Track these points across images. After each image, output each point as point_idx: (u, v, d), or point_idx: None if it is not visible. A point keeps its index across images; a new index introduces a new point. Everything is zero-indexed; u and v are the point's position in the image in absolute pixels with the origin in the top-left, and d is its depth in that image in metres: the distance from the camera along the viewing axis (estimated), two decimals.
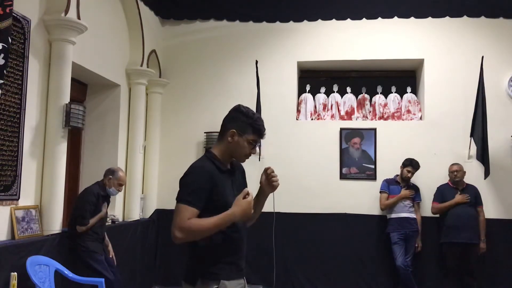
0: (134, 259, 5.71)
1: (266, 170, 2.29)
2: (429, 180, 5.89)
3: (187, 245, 2.24)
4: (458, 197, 5.52)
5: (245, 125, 2.25)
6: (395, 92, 6.50)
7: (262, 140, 6.74)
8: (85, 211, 4.35)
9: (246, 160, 2.34)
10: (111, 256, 4.68)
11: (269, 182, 2.30)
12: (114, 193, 4.69)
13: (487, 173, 5.62)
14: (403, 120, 6.33)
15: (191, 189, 2.12)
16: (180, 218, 2.08)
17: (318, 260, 6.07)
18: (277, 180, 2.30)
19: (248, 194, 2.15)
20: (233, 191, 2.25)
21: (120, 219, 5.73)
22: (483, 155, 5.58)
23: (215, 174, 2.19)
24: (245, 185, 2.40)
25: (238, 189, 2.27)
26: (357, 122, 6.38)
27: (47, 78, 4.31)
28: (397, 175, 5.88)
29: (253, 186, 2.40)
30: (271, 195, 2.40)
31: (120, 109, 5.79)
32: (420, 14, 6.27)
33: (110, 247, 4.72)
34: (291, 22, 6.52)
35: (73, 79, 4.64)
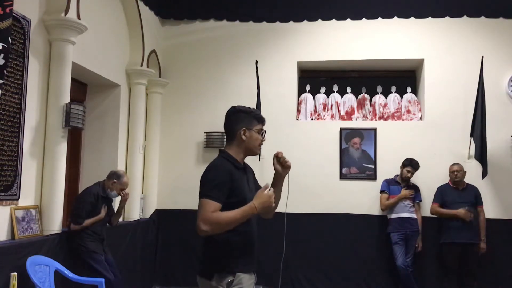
0: (134, 259, 5.71)
1: (276, 155, 2.47)
2: (429, 180, 5.89)
3: (203, 241, 2.37)
4: (461, 212, 5.42)
5: (249, 120, 2.47)
6: (395, 92, 6.50)
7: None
8: (82, 210, 4.36)
9: (249, 158, 2.50)
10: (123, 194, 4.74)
11: (282, 164, 2.49)
12: (114, 196, 4.69)
13: (485, 173, 5.62)
14: (403, 120, 6.33)
15: (213, 185, 2.28)
16: (205, 212, 2.22)
17: (318, 260, 6.07)
18: (288, 160, 2.49)
19: (269, 188, 2.32)
20: (249, 187, 2.43)
21: (120, 219, 5.72)
22: (481, 155, 5.58)
23: (233, 171, 2.37)
24: (256, 183, 2.58)
25: (252, 186, 2.49)
26: (357, 122, 6.38)
27: (47, 78, 4.31)
28: (397, 175, 5.88)
29: (260, 184, 2.44)
30: (284, 197, 2.60)
31: (120, 109, 5.79)
32: (420, 14, 6.27)
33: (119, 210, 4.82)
34: (291, 22, 6.52)
35: (73, 79, 4.64)
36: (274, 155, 2.48)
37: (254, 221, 2.43)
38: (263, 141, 2.55)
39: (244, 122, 2.45)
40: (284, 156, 2.47)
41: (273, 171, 2.57)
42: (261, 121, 2.52)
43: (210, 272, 2.31)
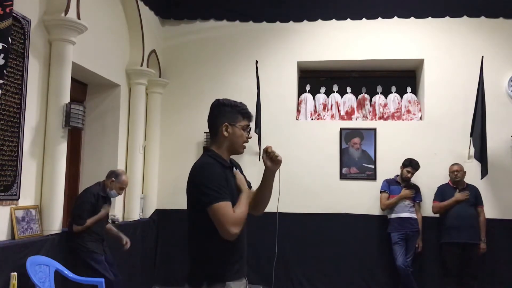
0: (134, 259, 5.71)
1: (266, 150, 2.32)
2: (429, 180, 5.89)
3: (190, 248, 2.22)
4: (458, 195, 5.51)
5: (233, 114, 2.28)
6: (395, 92, 6.50)
7: (262, 140, 6.71)
8: (83, 211, 4.35)
9: (244, 155, 2.35)
10: (125, 242, 4.72)
11: (272, 159, 2.32)
12: (114, 195, 4.69)
13: (484, 173, 5.61)
14: (403, 120, 6.33)
15: (216, 186, 2.11)
16: (229, 215, 2.08)
17: (318, 260, 6.07)
18: (279, 154, 2.32)
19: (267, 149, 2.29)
20: (236, 188, 2.27)
21: (120, 219, 5.73)
22: (481, 155, 5.57)
23: (223, 170, 2.22)
24: (246, 179, 2.41)
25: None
26: (357, 122, 6.38)
27: (47, 78, 4.31)
28: (398, 175, 5.88)
29: (254, 185, 2.42)
30: (275, 195, 2.45)
31: (120, 109, 5.79)
32: (420, 14, 6.27)
33: (123, 237, 4.77)
34: (291, 22, 6.52)
35: (73, 79, 4.64)
36: (263, 150, 2.33)
37: (244, 225, 2.28)
38: (249, 138, 2.35)
39: (227, 116, 2.26)
40: (274, 150, 2.32)
41: None
42: (247, 116, 2.31)
43: (199, 280, 2.16)
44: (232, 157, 2.38)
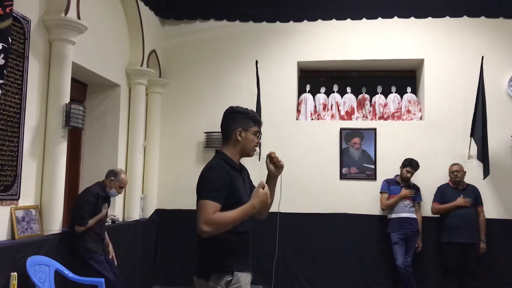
0: (134, 259, 5.71)
1: (269, 155, 2.48)
2: (429, 180, 5.89)
3: (199, 241, 2.36)
4: (460, 201, 5.51)
5: (246, 121, 2.46)
6: (395, 92, 6.50)
7: (262, 140, 6.75)
8: (84, 211, 4.34)
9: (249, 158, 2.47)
10: (111, 257, 4.68)
11: (275, 165, 2.49)
12: (114, 194, 4.68)
13: (486, 173, 5.61)
14: (403, 120, 6.33)
15: (214, 186, 2.28)
16: (206, 213, 2.22)
17: (318, 260, 6.07)
18: (281, 160, 2.50)
19: (264, 185, 2.34)
20: (245, 189, 2.43)
21: (120, 219, 5.73)
22: (483, 155, 5.57)
23: (230, 172, 2.37)
24: (251, 184, 2.57)
25: (247, 187, 2.49)
26: (357, 122, 6.38)
27: (47, 78, 4.31)
28: (397, 175, 5.88)
29: (254, 184, 2.44)
30: (277, 196, 2.57)
31: (120, 109, 5.79)
32: (420, 14, 6.27)
33: (110, 248, 4.72)
34: (291, 22, 6.52)
35: (73, 79, 4.64)
36: (267, 155, 2.50)
37: (249, 221, 2.44)
38: (259, 143, 2.53)
39: (240, 122, 2.45)
40: (277, 156, 2.48)
41: None
42: (258, 123, 2.50)
43: (208, 272, 2.32)
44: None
